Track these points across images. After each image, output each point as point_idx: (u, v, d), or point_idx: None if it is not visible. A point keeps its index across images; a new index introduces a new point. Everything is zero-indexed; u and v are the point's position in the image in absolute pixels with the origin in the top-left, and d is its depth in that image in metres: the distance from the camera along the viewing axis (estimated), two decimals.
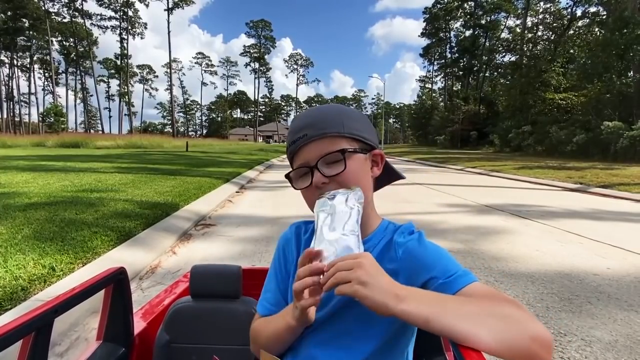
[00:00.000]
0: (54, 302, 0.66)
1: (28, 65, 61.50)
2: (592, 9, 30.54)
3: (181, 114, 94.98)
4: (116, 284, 0.85)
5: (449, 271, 0.63)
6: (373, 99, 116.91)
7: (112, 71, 72.71)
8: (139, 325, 0.96)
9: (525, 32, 35.56)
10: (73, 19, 59.88)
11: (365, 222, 0.72)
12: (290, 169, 0.74)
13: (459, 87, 55.20)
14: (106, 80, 76.89)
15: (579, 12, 32.36)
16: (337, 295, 0.55)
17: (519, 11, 41.50)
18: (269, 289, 0.81)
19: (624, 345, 1.83)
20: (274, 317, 0.74)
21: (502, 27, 48.84)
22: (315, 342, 0.71)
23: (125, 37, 64.56)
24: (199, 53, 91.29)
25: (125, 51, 66.38)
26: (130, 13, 63.32)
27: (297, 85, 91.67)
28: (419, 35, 60.46)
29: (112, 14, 62.70)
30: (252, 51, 79.72)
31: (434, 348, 0.85)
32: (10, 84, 59.59)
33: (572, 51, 29.94)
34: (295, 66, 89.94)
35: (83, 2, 59.38)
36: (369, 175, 0.75)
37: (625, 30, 18.94)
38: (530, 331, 0.51)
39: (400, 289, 0.55)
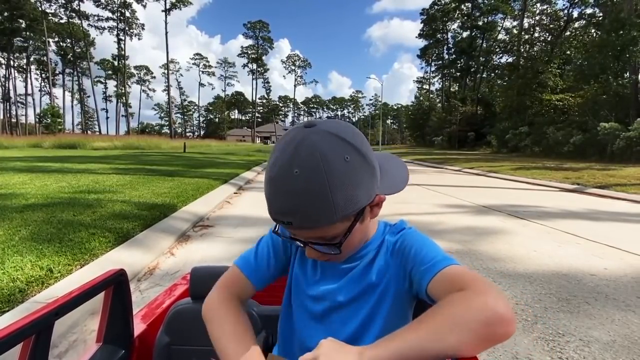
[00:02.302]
0: (54, 305, 0.65)
1: (25, 66, 61.22)
2: (589, 11, 30.77)
3: (179, 115, 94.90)
4: (116, 286, 0.85)
5: (429, 257, 0.64)
6: (371, 99, 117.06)
7: (110, 72, 72.43)
8: (138, 327, 0.96)
9: (522, 33, 35.73)
10: (70, 20, 59.67)
11: (365, 233, 0.72)
12: None
13: (457, 88, 55.32)
14: (103, 81, 76.51)
15: (575, 14, 32.60)
16: None
17: (516, 12, 41.70)
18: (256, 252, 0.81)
19: (621, 345, 1.84)
20: (238, 329, 0.71)
21: (499, 28, 49.02)
22: (321, 332, 0.73)
23: (123, 38, 64.46)
24: (197, 54, 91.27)
25: (123, 52, 66.27)
26: (127, 14, 63.25)
27: (295, 86, 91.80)
28: (416, 37, 60.63)
29: (110, 14, 62.61)
30: (249, 52, 79.70)
31: None
32: (7, 84, 59.36)
33: (568, 52, 30.12)
34: (293, 67, 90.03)
35: (80, 3, 59.27)
36: (367, 226, 0.70)
37: (621, 32, 19.05)
38: (483, 317, 0.51)
39: (362, 348, 0.53)
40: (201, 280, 0.94)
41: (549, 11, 34.63)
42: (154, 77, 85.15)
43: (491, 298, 0.52)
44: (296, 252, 0.81)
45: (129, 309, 0.89)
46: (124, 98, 68.78)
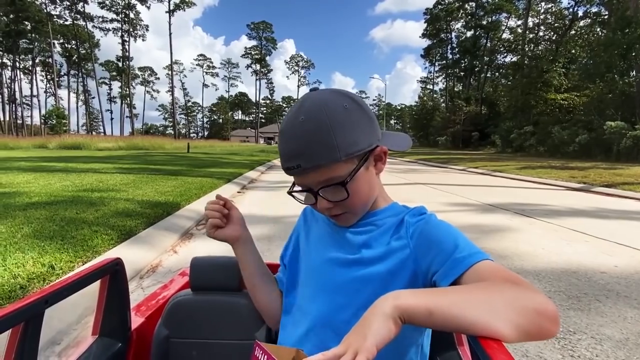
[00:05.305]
0: (44, 292, 0.62)
1: (30, 68, 61.79)
2: (594, 9, 30.56)
3: (182, 116, 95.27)
4: (112, 276, 0.81)
5: (459, 249, 0.59)
6: (374, 100, 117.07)
7: (114, 73, 72.97)
8: (136, 319, 0.93)
9: (527, 32, 35.55)
10: (75, 22, 60.11)
11: (371, 186, 0.72)
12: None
13: (460, 88, 55.15)
14: (108, 82, 77.07)
15: (580, 13, 32.41)
16: None
17: (520, 12, 41.49)
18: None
19: (635, 343, 1.79)
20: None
21: (503, 27, 48.82)
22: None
23: (127, 39, 64.84)
24: (201, 55, 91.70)
25: (127, 53, 66.68)
26: (131, 15, 63.60)
27: (299, 86, 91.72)
28: (420, 36, 60.57)
29: (114, 16, 63.01)
30: (253, 53, 79.91)
31: (447, 343, 0.82)
32: (13, 86, 60.00)
33: (573, 51, 29.91)
34: (297, 68, 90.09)
35: (85, 5, 59.67)
36: (374, 178, 0.72)
37: (627, 30, 18.87)
38: (536, 305, 0.48)
39: (390, 293, 0.49)
40: (202, 271, 0.90)
41: (553, 10, 34.45)
42: (158, 78, 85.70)
43: (541, 294, 0.50)
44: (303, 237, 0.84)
45: (126, 300, 0.85)
46: (128, 99, 69.19)
